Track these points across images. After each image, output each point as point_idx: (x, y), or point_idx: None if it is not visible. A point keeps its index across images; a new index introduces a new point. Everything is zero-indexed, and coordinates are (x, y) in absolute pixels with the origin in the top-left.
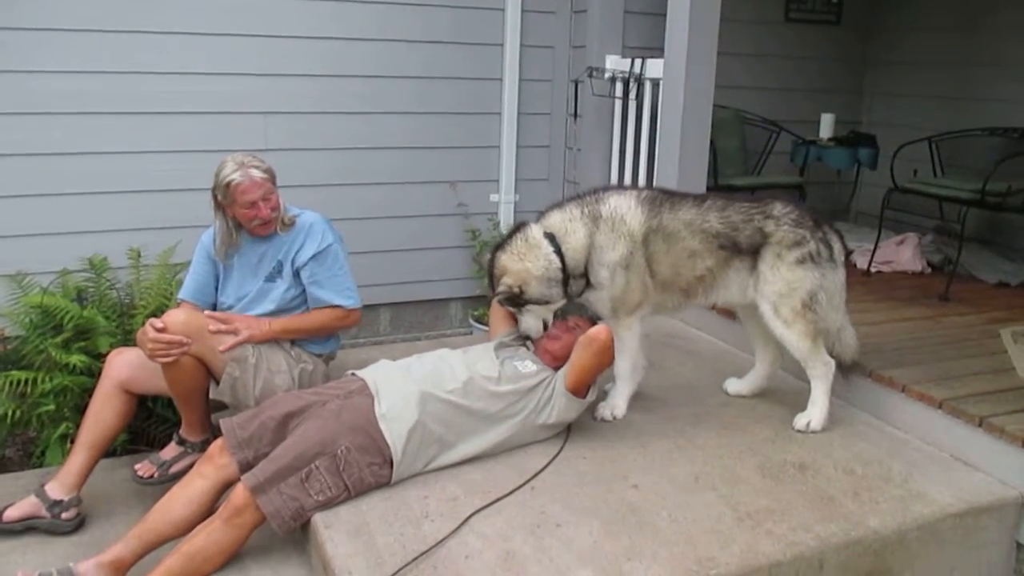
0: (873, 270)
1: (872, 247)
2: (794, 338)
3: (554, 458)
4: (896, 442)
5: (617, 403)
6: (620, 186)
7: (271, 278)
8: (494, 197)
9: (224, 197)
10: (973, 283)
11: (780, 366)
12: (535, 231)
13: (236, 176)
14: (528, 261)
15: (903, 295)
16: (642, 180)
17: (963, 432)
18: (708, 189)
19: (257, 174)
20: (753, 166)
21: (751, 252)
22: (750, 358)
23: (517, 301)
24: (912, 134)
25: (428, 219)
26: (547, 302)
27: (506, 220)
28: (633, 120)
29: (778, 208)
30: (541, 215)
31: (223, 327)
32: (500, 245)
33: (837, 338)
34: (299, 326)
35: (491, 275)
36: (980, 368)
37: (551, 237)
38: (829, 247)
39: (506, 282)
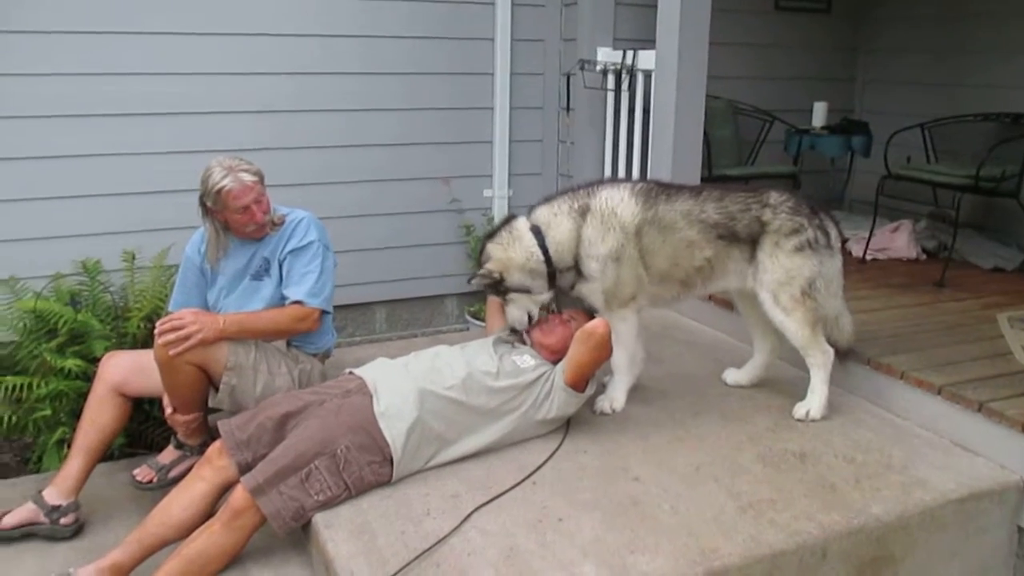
0: (868, 258)
1: (867, 235)
2: (794, 326)
3: (554, 452)
4: (896, 429)
5: (616, 396)
6: (616, 179)
7: (258, 276)
8: (488, 192)
9: (215, 204)
10: (968, 269)
11: (778, 355)
12: (520, 224)
13: (227, 182)
14: (512, 251)
15: (899, 282)
16: (636, 172)
17: (962, 417)
18: (702, 180)
19: (248, 178)
20: (747, 156)
21: (749, 241)
22: (748, 348)
23: (498, 288)
24: (905, 121)
25: (422, 215)
26: (528, 291)
27: (500, 215)
28: (626, 112)
29: (774, 197)
30: (531, 208)
31: (170, 337)
32: (489, 235)
33: (835, 324)
34: (254, 324)
35: (479, 264)
36: (978, 353)
37: (536, 230)
38: (826, 234)
39: (488, 267)
